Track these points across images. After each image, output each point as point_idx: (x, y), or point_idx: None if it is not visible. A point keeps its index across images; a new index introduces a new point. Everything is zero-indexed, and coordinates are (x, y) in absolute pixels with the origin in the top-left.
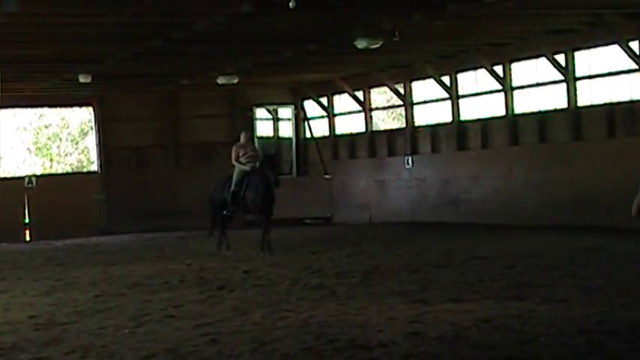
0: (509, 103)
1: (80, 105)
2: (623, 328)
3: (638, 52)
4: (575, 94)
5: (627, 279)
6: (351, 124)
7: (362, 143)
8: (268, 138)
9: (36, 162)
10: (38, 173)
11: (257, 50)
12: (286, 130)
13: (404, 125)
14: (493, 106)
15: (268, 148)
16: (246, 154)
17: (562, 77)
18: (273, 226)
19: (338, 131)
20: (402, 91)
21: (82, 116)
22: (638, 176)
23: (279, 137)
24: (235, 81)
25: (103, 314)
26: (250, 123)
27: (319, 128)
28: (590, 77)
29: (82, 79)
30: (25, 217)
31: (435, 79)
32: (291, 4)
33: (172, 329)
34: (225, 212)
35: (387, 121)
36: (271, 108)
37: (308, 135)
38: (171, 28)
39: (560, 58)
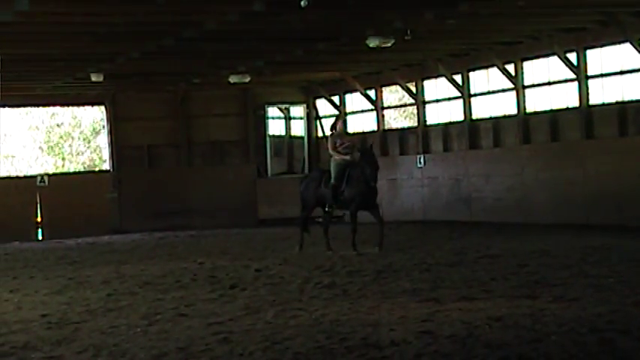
0: (520, 102)
1: (92, 104)
2: (635, 327)
3: None
4: (587, 93)
5: (639, 277)
6: (362, 122)
7: (374, 142)
8: (280, 137)
9: (48, 161)
10: (50, 172)
11: (269, 49)
12: (298, 128)
13: (416, 124)
14: (505, 105)
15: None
16: (343, 143)
17: (574, 76)
18: (288, 224)
19: (350, 130)
20: (413, 89)
21: (94, 115)
22: None
23: (291, 136)
24: (247, 80)
25: (115, 313)
26: (262, 122)
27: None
28: (601, 76)
29: (94, 77)
30: (37, 216)
31: (447, 78)
32: (302, 3)
33: (184, 328)
34: (326, 209)
35: (398, 119)
36: (283, 107)
37: (320, 134)
38: (183, 26)
39: (572, 57)
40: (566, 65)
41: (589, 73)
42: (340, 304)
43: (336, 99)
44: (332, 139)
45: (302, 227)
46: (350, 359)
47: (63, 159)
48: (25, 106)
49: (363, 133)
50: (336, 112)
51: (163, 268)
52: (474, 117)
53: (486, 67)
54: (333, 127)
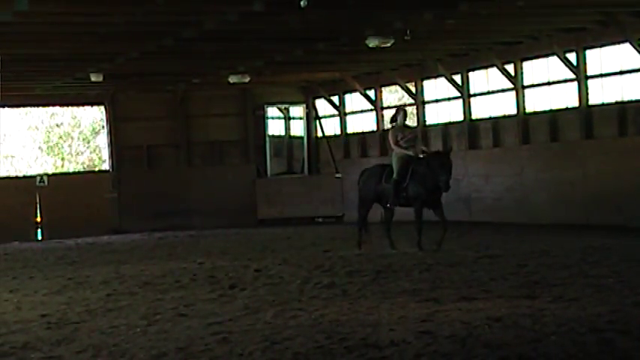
0: (520, 102)
1: (92, 104)
2: (635, 327)
3: None
4: (587, 93)
5: (638, 277)
6: (362, 122)
7: (373, 142)
8: (280, 137)
9: (47, 161)
10: (50, 172)
11: (268, 49)
12: (298, 128)
13: (415, 124)
14: (504, 105)
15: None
16: (404, 137)
17: (573, 76)
18: (287, 224)
19: (349, 130)
20: (413, 89)
21: (94, 115)
22: None
23: (290, 136)
24: (247, 80)
25: (115, 313)
26: (262, 122)
27: (330, 127)
28: (601, 76)
29: (93, 78)
30: (36, 216)
31: (447, 78)
32: (302, 3)
33: (183, 328)
34: (388, 205)
35: None
36: (282, 107)
37: (319, 134)
38: (183, 26)
39: (572, 57)
40: (566, 65)
41: (589, 73)
42: (340, 305)
43: (335, 99)
44: (393, 132)
45: (360, 226)
46: (349, 359)
47: (62, 159)
48: (24, 106)
49: (363, 133)
50: (336, 112)
51: (163, 269)
52: (473, 117)
53: (486, 67)
54: (394, 119)
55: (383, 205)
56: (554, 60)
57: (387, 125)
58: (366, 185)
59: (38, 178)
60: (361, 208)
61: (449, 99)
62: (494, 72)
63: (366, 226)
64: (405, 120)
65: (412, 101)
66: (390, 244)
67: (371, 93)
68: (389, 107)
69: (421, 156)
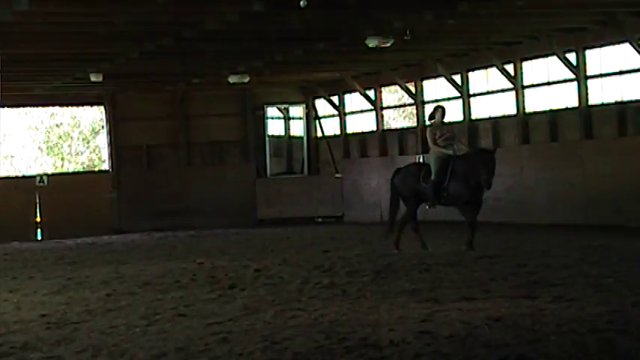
0: (520, 102)
1: (91, 104)
2: (635, 327)
3: None
4: (586, 93)
5: (638, 277)
6: (362, 122)
7: (373, 142)
8: (279, 137)
9: (47, 161)
10: (49, 172)
11: (268, 49)
12: (297, 128)
13: (415, 124)
14: (504, 105)
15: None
16: (442, 135)
17: (573, 76)
18: (287, 224)
19: (349, 130)
20: (413, 89)
21: (93, 115)
22: None
23: (290, 136)
24: (246, 80)
25: (114, 313)
26: (262, 122)
27: (330, 127)
28: (601, 76)
29: (93, 78)
30: (36, 216)
31: (446, 78)
32: (302, 3)
33: (183, 328)
34: (428, 206)
35: (398, 119)
36: (282, 107)
37: (319, 134)
38: (183, 27)
39: (571, 57)
40: (566, 65)
41: (588, 73)
42: (339, 305)
43: (335, 99)
44: (431, 130)
45: (398, 226)
46: (349, 359)
47: (62, 159)
48: (24, 106)
49: (362, 133)
50: (336, 112)
51: (162, 269)
52: (473, 117)
53: (486, 67)
54: (432, 117)
55: (419, 204)
56: (553, 60)
57: (427, 122)
58: (404, 184)
59: (38, 178)
60: (395, 208)
61: (449, 99)
62: (494, 72)
63: (417, 225)
64: (443, 118)
65: (412, 101)
66: (396, 242)
67: (371, 93)
68: (389, 107)
69: (460, 153)
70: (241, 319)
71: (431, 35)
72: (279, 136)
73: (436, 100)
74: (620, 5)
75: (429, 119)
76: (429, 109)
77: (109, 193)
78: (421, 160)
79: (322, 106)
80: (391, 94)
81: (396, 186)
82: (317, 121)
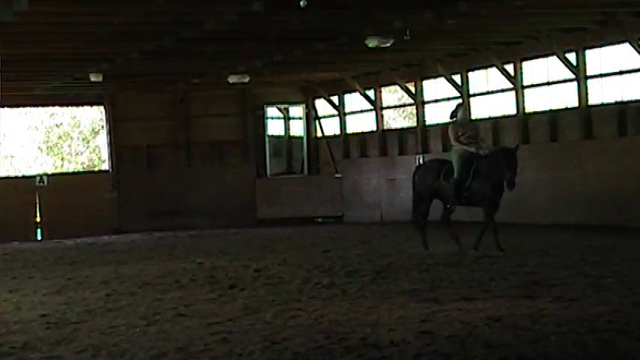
0: (520, 102)
1: (91, 104)
2: (634, 327)
3: None
4: (586, 93)
5: (638, 278)
6: (362, 122)
7: (373, 142)
8: (279, 137)
9: (47, 161)
10: (49, 172)
11: (268, 49)
12: (297, 128)
13: (415, 124)
14: (504, 105)
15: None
16: (465, 133)
17: (573, 76)
18: (286, 224)
19: (349, 130)
20: (412, 89)
21: (93, 115)
22: None
23: (290, 136)
24: (246, 80)
25: (114, 313)
26: (261, 122)
27: (330, 127)
28: (600, 76)
29: (93, 77)
30: (36, 216)
31: (446, 78)
32: (302, 3)
33: (183, 328)
34: (448, 206)
35: (398, 119)
36: (282, 107)
37: (319, 134)
38: (183, 26)
39: (571, 57)
40: (566, 65)
41: (588, 74)
42: (339, 305)
43: (335, 99)
44: (454, 128)
45: (420, 224)
46: (349, 359)
47: (62, 159)
48: (24, 106)
49: (362, 133)
50: (335, 112)
51: (162, 269)
52: (473, 117)
53: (485, 68)
54: (454, 114)
55: (443, 203)
56: (553, 60)
57: (448, 119)
58: (422, 182)
59: (38, 178)
60: (419, 206)
61: (448, 99)
62: (493, 72)
63: (425, 224)
64: (465, 115)
65: (412, 101)
66: (425, 242)
67: (370, 93)
68: (389, 107)
69: (482, 153)
70: (241, 319)
71: (431, 35)
72: (279, 136)
73: (436, 100)
74: (620, 5)
75: (451, 117)
76: (428, 109)
77: (109, 193)
78: (421, 161)
79: (322, 106)
80: (391, 94)
81: (415, 183)
82: (317, 121)
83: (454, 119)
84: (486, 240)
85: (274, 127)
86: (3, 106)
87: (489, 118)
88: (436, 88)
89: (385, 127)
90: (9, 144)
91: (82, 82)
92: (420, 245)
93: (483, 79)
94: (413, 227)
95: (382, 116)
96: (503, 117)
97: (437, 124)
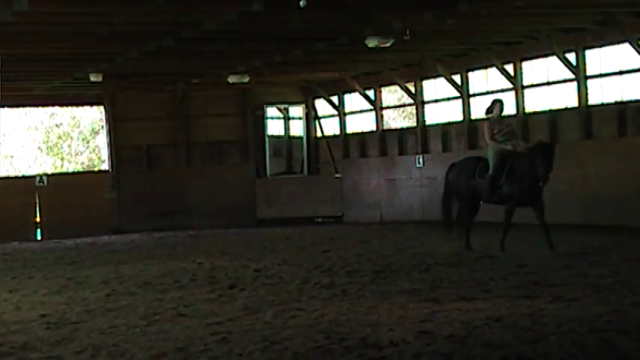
0: (519, 102)
1: (91, 104)
2: (634, 327)
3: None
4: (586, 93)
5: (638, 278)
6: (361, 122)
7: (373, 142)
8: (279, 137)
9: (47, 161)
10: (49, 172)
11: (268, 49)
12: (297, 128)
13: (415, 124)
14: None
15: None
16: (501, 130)
17: (573, 76)
18: (286, 225)
19: (349, 130)
20: (412, 89)
21: (93, 115)
22: None
23: (290, 136)
24: (246, 80)
25: (114, 313)
26: (261, 122)
27: (330, 127)
28: (600, 76)
29: (92, 78)
30: (36, 216)
31: (446, 78)
32: (301, 3)
33: (183, 328)
34: (481, 202)
35: (397, 119)
36: (282, 107)
37: (319, 134)
38: (182, 27)
39: (571, 57)
40: (565, 65)
41: (588, 74)
42: (339, 305)
43: (335, 99)
44: (489, 125)
45: (465, 225)
46: (349, 359)
47: (62, 159)
48: (24, 106)
49: (362, 133)
50: (335, 112)
51: (162, 269)
52: (473, 117)
53: (485, 68)
54: (489, 111)
55: (474, 201)
56: (553, 60)
57: (484, 115)
58: (458, 179)
59: (38, 178)
60: (449, 205)
61: (448, 99)
62: (493, 72)
63: (470, 224)
64: (501, 112)
65: (412, 101)
66: (467, 241)
67: (370, 93)
68: (388, 107)
69: (519, 149)
70: (241, 319)
71: (430, 35)
72: (278, 136)
73: (436, 101)
74: (620, 5)
75: (487, 113)
76: (428, 109)
77: (109, 193)
78: (421, 161)
79: (322, 106)
80: (391, 94)
81: (450, 182)
82: (317, 121)
83: (489, 116)
84: (486, 240)
85: (274, 127)
86: (3, 106)
87: (489, 119)
88: (436, 88)
89: (385, 127)
90: (9, 144)
91: (82, 82)
92: (463, 246)
93: (483, 79)
94: (444, 227)
95: (382, 116)
96: (503, 117)
97: (437, 124)
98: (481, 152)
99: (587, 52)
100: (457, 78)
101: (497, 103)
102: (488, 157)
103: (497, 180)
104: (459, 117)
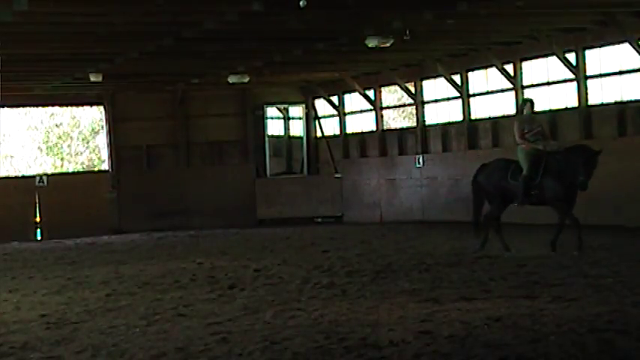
0: (519, 102)
1: (91, 104)
2: (634, 327)
3: None
4: (586, 93)
5: (638, 278)
6: (361, 122)
7: (372, 142)
8: (279, 137)
9: (47, 161)
10: (49, 172)
11: (268, 49)
12: (297, 128)
13: (414, 124)
14: (503, 105)
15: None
16: (532, 130)
17: (573, 76)
18: (286, 225)
19: (349, 130)
20: (412, 89)
21: (93, 115)
22: None
23: (289, 136)
24: (246, 80)
25: (114, 313)
26: (261, 122)
27: (330, 127)
28: (600, 76)
29: (92, 78)
30: (36, 216)
31: (446, 78)
32: (301, 3)
33: (183, 328)
34: (517, 204)
35: (397, 119)
36: (282, 107)
37: (319, 134)
38: (182, 26)
39: (571, 57)
40: (565, 65)
41: (588, 74)
42: (339, 305)
43: (335, 99)
44: (519, 125)
45: (494, 226)
46: (349, 359)
47: (62, 159)
48: (23, 106)
49: (362, 133)
50: (335, 112)
51: (162, 269)
52: (472, 117)
53: (485, 68)
54: (520, 110)
55: (506, 203)
56: (553, 60)
57: (516, 114)
58: (488, 181)
59: (38, 178)
60: (480, 207)
61: (448, 99)
62: (493, 72)
63: (499, 225)
64: (531, 111)
65: (412, 101)
66: (505, 243)
67: (370, 93)
68: (388, 107)
69: (550, 149)
70: (241, 319)
71: (430, 35)
72: (278, 136)
73: (436, 101)
74: (620, 5)
75: (518, 113)
76: (428, 109)
77: (109, 193)
78: (421, 161)
79: (322, 106)
80: (391, 94)
81: (480, 184)
82: (316, 121)
83: (520, 116)
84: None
85: (274, 127)
86: (3, 106)
87: (489, 118)
88: (436, 88)
89: (385, 127)
90: (9, 144)
91: (82, 82)
92: (501, 247)
93: (483, 79)
94: (473, 229)
95: (382, 116)
96: (503, 117)
97: (437, 124)
98: (482, 152)
99: (587, 52)
100: (457, 78)
101: (528, 103)
102: (520, 159)
103: (532, 181)
104: (459, 117)
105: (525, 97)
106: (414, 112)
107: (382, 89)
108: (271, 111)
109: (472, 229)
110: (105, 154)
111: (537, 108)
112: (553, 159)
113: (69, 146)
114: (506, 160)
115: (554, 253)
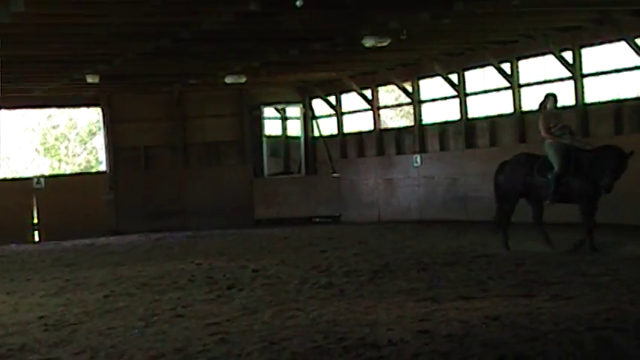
0: (516, 101)
1: (88, 105)
2: (632, 325)
3: None
4: (583, 92)
5: (635, 276)
6: (359, 122)
7: (370, 142)
8: (276, 137)
9: (44, 162)
10: (46, 174)
11: (265, 49)
12: (294, 128)
13: (412, 123)
14: (501, 104)
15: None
16: (557, 124)
17: (569, 74)
18: (284, 225)
19: (346, 130)
20: (409, 89)
21: (90, 116)
22: None
23: (287, 136)
24: (243, 80)
25: (112, 314)
26: (258, 122)
27: (327, 127)
28: (597, 74)
29: (89, 79)
30: (33, 218)
31: (443, 77)
32: (298, 3)
33: (181, 329)
34: (548, 202)
35: (395, 119)
36: (279, 107)
37: (316, 134)
38: (179, 27)
39: (568, 56)
40: (562, 64)
41: (585, 72)
42: (337, 304)
43: (332, 99)
44: (544, 119)
45: (503, 224)
46: (347, 359)
47: (59, 160)
48: (21, 107)
49: (359, 133)
50: (333, 112)
51: (160, 269)
52: (470, 116)
53: (482, 66)
54: (543, 105)
55: (532, 200)
56: (550, 58)
57: (539, 110)
58: (511, 178)
59: (35, 180)
60: (504, 204)
61: (445, 98)
62: (490, 71)
63: (509, 223)
64: (555, 106)
65: (409, 100)
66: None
67: (367, 93)
68: (386, 107)
69: (576, 145)
70: (239, 319)
71: (427, 34)
72: (276, 137)
73: (433, 100)
74: (616, 4)
75: (541, 108)
76: (425, 108)
77: (107, 195)
78: (419, 161)
79: (319, 106)
80: (388, 94)
81: (503, 181)
82: (314, 121)
83: (544, 110)
84: (484, 239)
85: (271, 128)
86: (0, 108)
87: (486, 117)
88: (433, 87)
89: (382, 127)
90: (6, 146)
91: (79, 84)
92: (501, 245)
93: (480, 78)
94: (495, 227)
95: (379, 116)
96: (500, 116)
97: (434, 124)
98: (479, 151)
99: (584, 51)
100: (454, 77)
101: (551, 97)
102: (549, 154)
103: (563, 177)
104: (457, 116)
105: (548, 92)
106: (412, 111)
107: (379, 89)
108: (268, 111)
109: (494, 228)
110: (102, 155)
111: (532, 107)
112: (583, 156)
113: (66, 148)
114: (528, 155)
115: (597, 253)
